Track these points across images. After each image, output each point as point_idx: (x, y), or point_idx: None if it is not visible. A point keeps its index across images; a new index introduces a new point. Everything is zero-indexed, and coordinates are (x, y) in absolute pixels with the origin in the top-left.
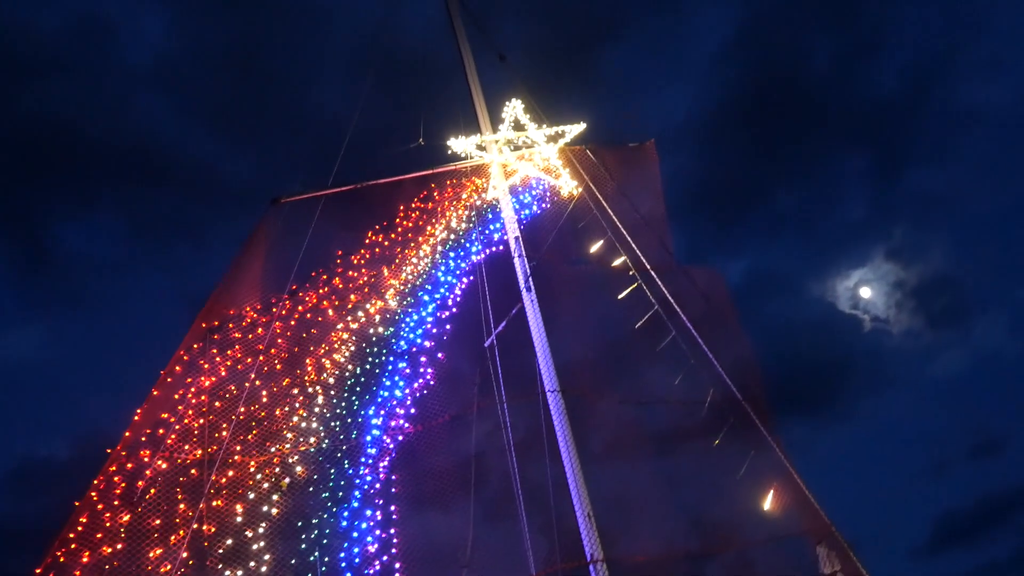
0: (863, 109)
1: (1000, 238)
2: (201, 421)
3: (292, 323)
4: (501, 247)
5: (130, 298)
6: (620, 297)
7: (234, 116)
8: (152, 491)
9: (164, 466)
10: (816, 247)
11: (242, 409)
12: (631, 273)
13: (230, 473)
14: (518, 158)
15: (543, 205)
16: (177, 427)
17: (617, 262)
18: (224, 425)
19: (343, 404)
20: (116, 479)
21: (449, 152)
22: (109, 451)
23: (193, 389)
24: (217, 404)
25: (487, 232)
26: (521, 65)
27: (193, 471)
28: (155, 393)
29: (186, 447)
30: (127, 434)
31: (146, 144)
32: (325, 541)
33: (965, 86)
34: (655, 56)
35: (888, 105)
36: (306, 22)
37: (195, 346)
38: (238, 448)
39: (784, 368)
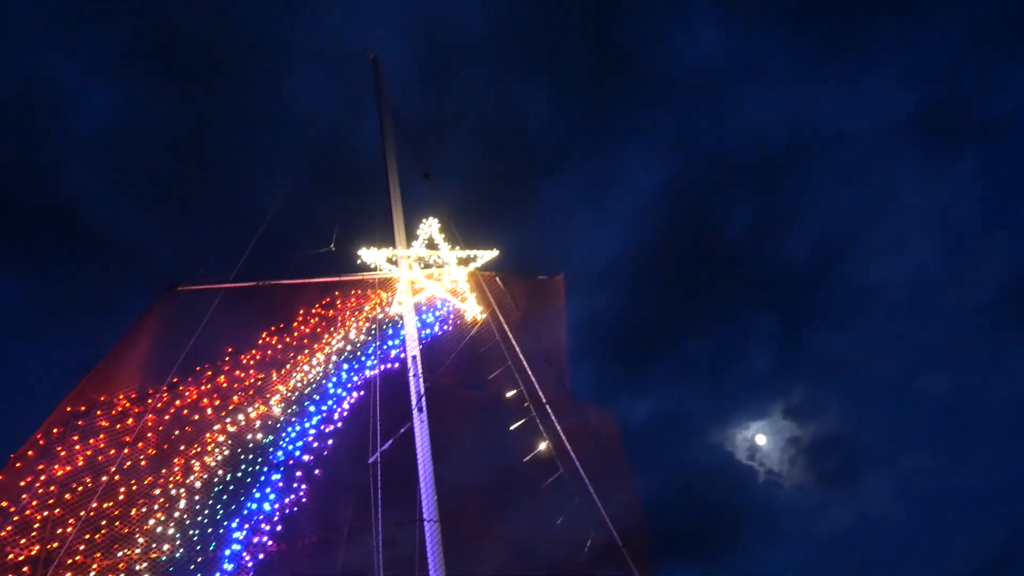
0: (773, 273)
1: (889, 405)
2: (45, 513)
3: (166, 418)
4: (397, 364)
5: (16, 367)
6: (512, 428)
7: (166, 196)
8: None
9: None
10: (719, 396)
11: (94, 505)
12: (526, 405)
13: (68, 575)
14: (427, 276)
15: (445, 327)
16: (16, 517)
17: (512, 393)
18: (71, 520)
19: (206, 512)
20: None
21: (359, 262)
22: None
23: (43, 477)
24: (67, 496)
25: (384, 347)
26: (447, 187)
27: (25, 568)
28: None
29: (22, 541)
30: None
31: (70, 210)
32: None
33: (867, 262)
34: (584, 199)
35: (796, 272)
36: (253, 117)
37: (55, 431)
38: (81, 548)
39: (677, 510)
